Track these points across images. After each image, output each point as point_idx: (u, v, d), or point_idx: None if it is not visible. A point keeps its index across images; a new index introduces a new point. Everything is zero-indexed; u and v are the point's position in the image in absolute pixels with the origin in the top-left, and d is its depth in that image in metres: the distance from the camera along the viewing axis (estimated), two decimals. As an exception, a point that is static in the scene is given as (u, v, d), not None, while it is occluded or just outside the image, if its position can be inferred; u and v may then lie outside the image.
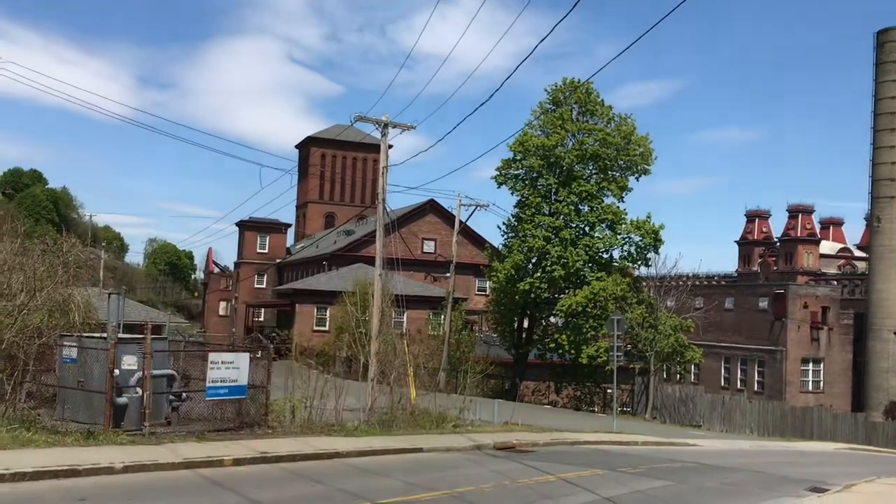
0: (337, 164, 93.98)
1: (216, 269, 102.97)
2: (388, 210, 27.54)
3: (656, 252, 47.10)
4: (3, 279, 17.23)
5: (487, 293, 58.26)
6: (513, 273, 45.24)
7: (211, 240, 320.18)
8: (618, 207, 46.29)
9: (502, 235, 49.23)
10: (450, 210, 55.00)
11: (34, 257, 19.27)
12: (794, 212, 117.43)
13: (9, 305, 16.48)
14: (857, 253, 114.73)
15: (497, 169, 47.52)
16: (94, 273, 54.17)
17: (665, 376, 52.90)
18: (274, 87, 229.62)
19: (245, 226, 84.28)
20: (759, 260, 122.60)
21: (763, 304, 61.93)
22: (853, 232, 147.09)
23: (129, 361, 17.32)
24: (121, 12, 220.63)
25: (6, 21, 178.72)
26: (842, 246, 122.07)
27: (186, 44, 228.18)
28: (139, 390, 16.91)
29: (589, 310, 43.39)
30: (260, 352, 20.72)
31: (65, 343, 18.22)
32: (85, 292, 24.90)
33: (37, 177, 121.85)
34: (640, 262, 47.36)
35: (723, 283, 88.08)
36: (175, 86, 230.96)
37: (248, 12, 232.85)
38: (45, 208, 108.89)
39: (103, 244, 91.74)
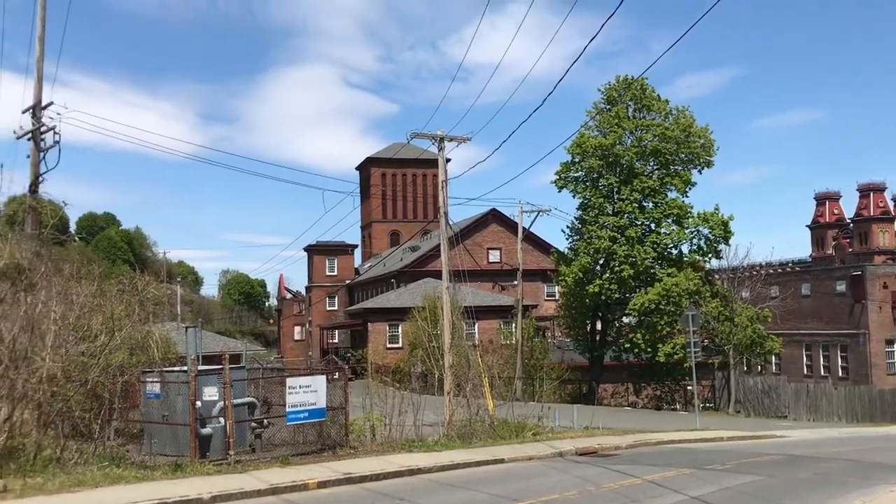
0: (397, 182, 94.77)
1: (288, 295, 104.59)
2: (451, 223, 27.59)
3: (727, 243, 46.47)
4: (84, 321, 17.77)
5: (557, 298, 57.93)
6: (581, 276, 44.92)
7: (281, 266, 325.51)
8: (683, 202, 45.74)
9: (567, 239, 49.07)
10: (512, 218, 54.84)
11: (111, 298, 19.84)
12: (864, 191, 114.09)
13: (91, 346, 16.98)
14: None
15: (556, 173, 47.40)
16: (172, 308, 55.54)
17: (745, 369, 51.90)
18: (332, 111, 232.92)
19: (313, 250, 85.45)
20: (833, 243, 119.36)
21: (841, 287, 60.22)
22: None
23: (211, 392, 17.67)
24: (180, 54, 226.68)
25: (74, 72, 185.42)
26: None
27: (245, 78, 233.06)
28: (222, 420, 17.22)
29: (662, 307, 42.82)
30: (336, 373, 20.91)
31: (147, 379, 18.69)
32: (163, 328, 25.60)
33: (111, 219, 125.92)
34: (710, 255, 46.68)
35: (797, 269, 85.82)
36: (237, 119, 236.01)
37: (303, 41, 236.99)
38: (121, 249, 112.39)
39: (178, 279, 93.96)
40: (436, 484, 15.93)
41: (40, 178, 22.90)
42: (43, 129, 22.96)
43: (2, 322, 15.08)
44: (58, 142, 22.92)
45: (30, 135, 23.08)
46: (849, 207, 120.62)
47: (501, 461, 19.08)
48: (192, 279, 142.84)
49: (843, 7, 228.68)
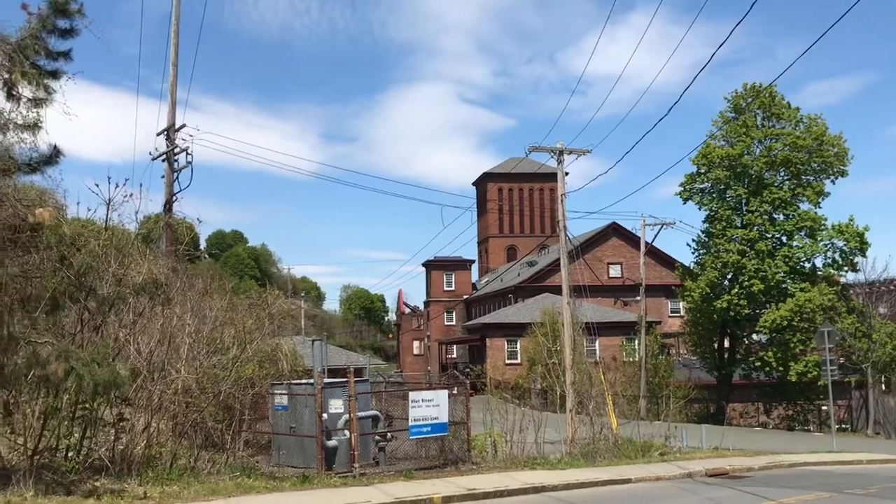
0: (514, 197, 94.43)
1: (407, 310, 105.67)
2: (570, 237, 27.20)
3: (863, 256, 44.15)
4: (217, 334, 18.33)
5: (682, 314, 56.39)
6: (708, 291, 43.62)
7: (400, 282, 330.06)
8: (815, 213, 43.84)
9: (693, 253, 47.78)
10: (633, 231, 53.84)
11: (242, 312, 20.43)
12: None
13: (223, 359, 17.46)
14: None
15: (681, 184, 46.33)
16: (296, 322, 56.96)
17: (885, 388, 49.06)
18: (448, 128, 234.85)
19: (431, 266, 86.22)
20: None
21: None
22: None
23: (336, 405, 17.91)
24: (302, 77, 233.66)
25: (203, 95, 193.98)
26: None
27: (365, 97, 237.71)
28: (347, 433, 17.41)
29: (795, 323, 41.08)
30: (456, 388, 20.86)
31: (275, 391, 19.12)
32: (290, 341, 26.18)
33: (238, 237, 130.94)
34: (846, 269, 44.41)
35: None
36: (357, 138, 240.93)
37: (419, 59, 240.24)
38: (248, 265, 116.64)
39: (302, 294, 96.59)
40: (560, 502, 15.61)
41: (174, 198, 23.93)
42: (176, 150, 24.00)
43: (140, 335, 15.71)
44: (190, 162, 23.91)
45: (164, 156, 24.16)
46: None
47: (628, 481, 18.56)
48: (315, 294, 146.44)
49: None
